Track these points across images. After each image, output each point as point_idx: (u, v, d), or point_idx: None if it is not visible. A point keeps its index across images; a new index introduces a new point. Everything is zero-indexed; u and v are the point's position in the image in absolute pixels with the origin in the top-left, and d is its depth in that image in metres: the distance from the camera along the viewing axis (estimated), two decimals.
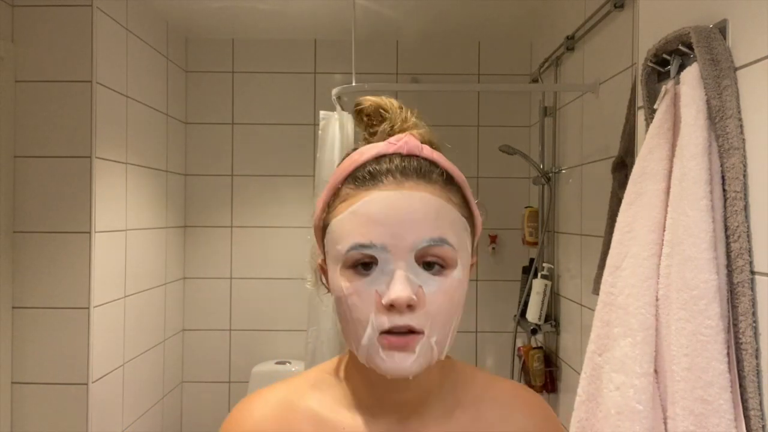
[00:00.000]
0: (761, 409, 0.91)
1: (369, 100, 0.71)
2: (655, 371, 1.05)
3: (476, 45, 3.01)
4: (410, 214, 0.62)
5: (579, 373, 1.19)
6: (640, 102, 1.29)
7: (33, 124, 2.04)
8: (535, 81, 2.79)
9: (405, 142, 0.67)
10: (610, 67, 1.98)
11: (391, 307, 0.60)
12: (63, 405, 2.02)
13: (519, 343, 2.76)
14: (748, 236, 0.96)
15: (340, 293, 0.64)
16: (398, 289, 0.60)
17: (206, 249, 2.99)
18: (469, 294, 2.85)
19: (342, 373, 0.73)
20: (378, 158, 0.66)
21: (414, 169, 0.65)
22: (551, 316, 2.49)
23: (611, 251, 1.16)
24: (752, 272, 0.95)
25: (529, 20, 2.72)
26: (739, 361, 0.94)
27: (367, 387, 0.69)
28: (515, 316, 2.70)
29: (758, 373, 0.92)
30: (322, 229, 0.69)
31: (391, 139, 0.68)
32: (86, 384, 2.03)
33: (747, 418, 0.92)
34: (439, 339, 0.63)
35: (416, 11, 2.62)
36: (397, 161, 0.65)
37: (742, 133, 0.98)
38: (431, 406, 0.70)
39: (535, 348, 2.57)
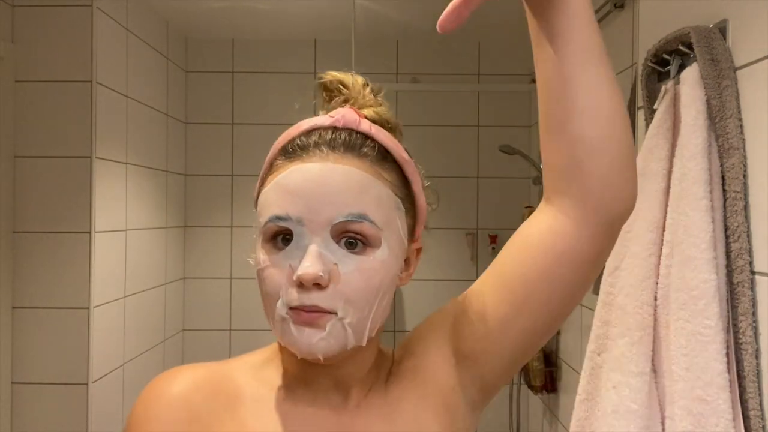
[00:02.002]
0: (761, 409, 0.91)
1: (331, 75, 0.69)
2: (654, 371, 1.05)
3: (476, 45, 3.01)
4: (329, 187, 0.59)
5: (579, 373, 1.19)
6: (640, 102, 1.29)
7: (33, 124, 2.03)
8: (534, 81, 2.78)
9: (342, 115, 0.64)
10: None
11: (301, 284, 0.58)
12: (63, 405, 2.02)
13: None
14: (748, 236, 0.96)
15: (258, 266, 0.62)
16: (306, 265, 0.57)
17: (206, 249, 2.99)
18: None
19: (279, 354, 0.69)
20: (310, 131, 0.64)
21: (343, 141, 0.62)
22: None
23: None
24: (752, 272, 0.95)
25: None
26: (739, 361, 0.94)
27: (304, 365, 0.64)
28: None
29: (758, 373, 0.92)
30: (256, 203, 0.67)
31: (332, 113, 0.65)
32: (86, 384, 2.03)
33: (747, 418, 0.92)
34: (353, 322, 0.59)
35: (416, 11, 2.62)
36: (328, 135, 0.63)
37: (742, 133, 0.98)
38: (369, 378, 0.67)
39: None
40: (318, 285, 0.58)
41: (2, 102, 1.98)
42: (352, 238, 0.59)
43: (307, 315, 0.58)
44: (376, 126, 0.66)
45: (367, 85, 0.69)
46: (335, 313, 0.58)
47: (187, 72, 3.00)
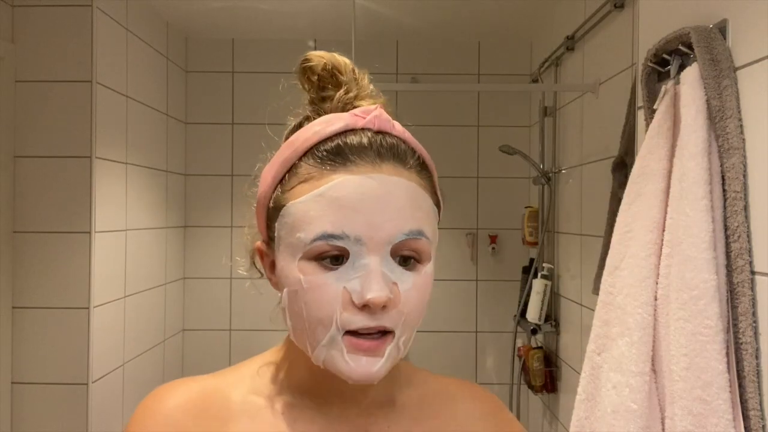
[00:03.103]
0: (761, 410, 0.91)
1: (319, 56, 0.62)
2: (654, 371, 1.05)
3: (476, 45, 3.01)
4: (390, 203, 0.54)
5: (579, 373, 1.19)
6: (640, 102, 1.29)
7: (33, 124, 2.03)
8: (535, 81, 2.79)
9: (376, 116, 0.59)
10: (610, 67, 1.98)
11: (365, 307, 0.53)
12: (63, 405, 2.02)
13: (519, 343, 2.76)
14: (748, 236, 0.96)
15: (297, 287, 0.55)
16: (376, 289, 0.52)
17: (206, 249, 2.99)
18: (469, 294, 2.85)
19: (282, 362, 0.65)
20: (345, 132, 0.58)
21: (389, 149, 0.57)
22: (551, 316, 2.49)
23: (611, 251, 1.16)
24: (752, 272, 0.95)
25: (529, 20, 2.72)
26: (739, 361, 0.94)
27: (308, 375, 0.62)
28: (515, 316, 2.70)
29: (758, 373, 0.92)
30: (269, 209, 0.60)
31: (357, 111, 0.59)
32: (86, 384, 2.03)
33: (747, 418, 0.92)
34: (406, 339, 0.57)
35: (416, 11, 2.62)
36: (369, 138, 0.57)
37: (742, 133, 0.98)
38: (373, 394, 0.64)
39: (535, 348, 2.57)
40: (383, 307, 0.54)
41: (2, 102, 1.98)
42: (408, 256, 0.56)
43: (366, 343, 0.54)
44: (407, 131, 0.61)
45: (354, 69, 0.63)
46: (394, 333, 0.55)
47: (187, 72, 3.00)
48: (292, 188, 0.57)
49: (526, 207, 2.77)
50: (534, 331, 2.47)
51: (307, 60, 0.62)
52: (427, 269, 0.58)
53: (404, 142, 0.60)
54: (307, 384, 0.63)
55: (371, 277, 0.53)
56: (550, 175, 2.56)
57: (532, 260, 2.68)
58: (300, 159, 0.58)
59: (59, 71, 2.04)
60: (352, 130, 0.58)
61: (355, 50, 2.12)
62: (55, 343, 2.02)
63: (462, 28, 2.82)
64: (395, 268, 0.55)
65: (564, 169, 2.47)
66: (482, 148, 2.99)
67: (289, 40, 2.98)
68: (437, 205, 0.62)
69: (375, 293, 0.52)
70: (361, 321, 0.54)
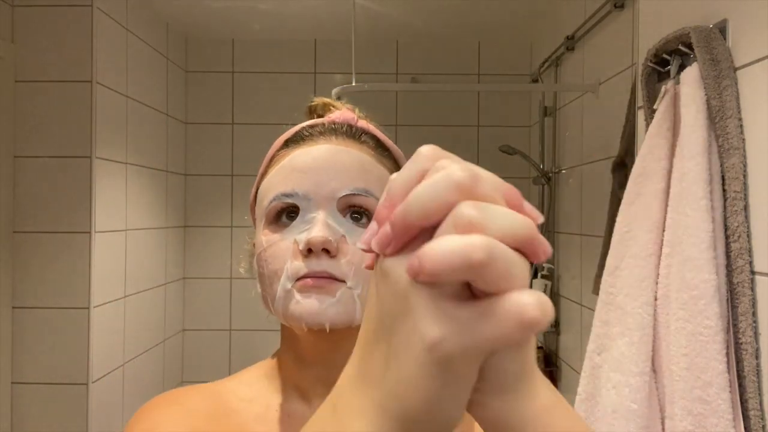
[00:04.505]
0: (761, 409, 0.91)
1: (320, 99, 0.71)
2: (654, 371, 1.05)
3: (476, 45, 3.01)
4: (335, 164, 0.60)
5: (579, 373, 1.19)
6: (640, 102, 1.29)
7: (33, 124, 2.03)
8: (535, 81, 2.79)
9: (340, 113, 0.66)
10: (610, 67, 1.98)
11: (309, 252, 0.56)
12: (63, 405, 2.02)
13: None
14: (748, 236, 0.96)
15: (260, 249, 0.60)
16: (315, 231, 0.56)
17: (206, 249, 2.99)
18: None
19: (275, 364, 0.67)
20: (312, 126, 0.66)
21: (345, 130, 0.64)
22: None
23: (611, 251, 1.16)
24: (752, 272, 0.95)
25: (529, 20, 2.72)
26: (739, 361, 0.94)
27: (300, 369, 0.64)
28: None
29: (758, 373, 0.92)
30: (255, 200, 0.66)
31: (329, 115, 0.68)
32: (86, 384, 2.03)
33: (746, 418, 0.92)
34: (363, 294, 0.57)
35: (416, 11, 2.62)
36: (329, 125, 0.65)
37: (742, 133, 0.98)
38: None
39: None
40: (327, 252, 0.57)
41: (2, 102, 1.98)
42: (357, 212, 0.60)
43: (313, 280, 0.56)
44: (371, 125, 0.68)
45: (353, 108, 0.71)
46: (345, 282, 0.57)
47: (187, 72, 3.00)
48: (267, 174, 0.64)
49: None
50: None
51: (311, 101, 0.72)
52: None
53: (365, 132, 0.66)
54: (301, 384, 0.64)
55: (314, 223, 0.58)
56: (550, 175, 2.56)
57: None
58: (276, 152, 0.66)
59: (59, 71, 2.04)
60: (317, 124, 0.66)
61: (355, 50, 2.12)
62: (55, 343, 2.02)
63: (462, 28, 2.82)
64: (344, 222, 0.59)
65: (564, 169, 2.47)
66: (482, 148, 2.99)
67: (289, 40, 2.98)
68: None
69: (313, 234, 0.56)
70: (307, 266, 0.57)
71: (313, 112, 0.71)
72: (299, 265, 0.57)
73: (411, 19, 2.71)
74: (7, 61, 1.99)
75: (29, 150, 2.03)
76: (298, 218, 0.59)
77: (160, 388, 2.69)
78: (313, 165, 0.60)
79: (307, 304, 0.56)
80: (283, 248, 0.58)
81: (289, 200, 0.59)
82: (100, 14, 2.10)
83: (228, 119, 3.00)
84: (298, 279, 0.57)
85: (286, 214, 0.60)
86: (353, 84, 2.10)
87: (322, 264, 0.56)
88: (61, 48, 2.04)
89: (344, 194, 0.59)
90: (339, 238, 0.58)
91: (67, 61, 2.04)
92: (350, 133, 0.64)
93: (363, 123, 0.67)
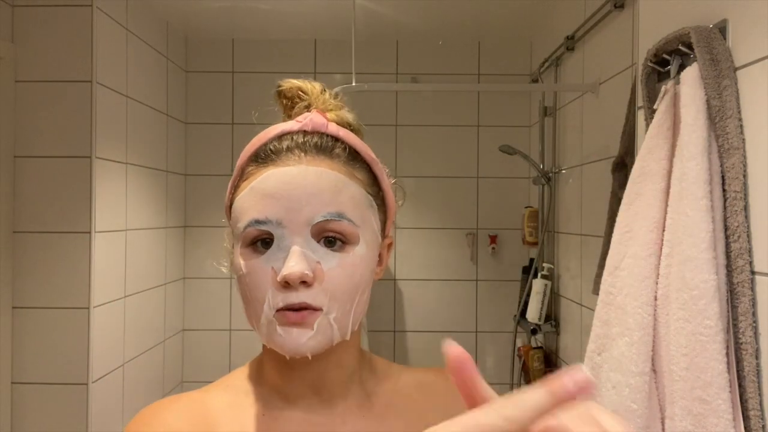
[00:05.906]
0: (761, 409, 0.91)
1: (289, 83, 0.70)
2: (654, 371, 1.05)
3: (476, 45, 3.01)
4: (306, 189, 0.60)
5: None
6: (640, 102, 1.29)
7: (33, 124, 2.03)
8: (535, 81, 2.79)
9: (310, 119, 0.66)
10: (610, 67, 1.98)
11: (287, 284, 0.58)
12: (63, 405, 2.02)
13: (519, 343, 2.76)
14: (748, 236, 0.96)
15: (240, 272, 0.62)
16: (290, 265, 0.58)
17: (206, 249, 2.99)
18: (469, 294, 2.83)
19: (257, 368, 0.69)
20: (281, 136, 0.65)
21: (314, 144, 0.64)
22: (551, 316, 2.49)
23: (611, 251, 1.16)
24: (752, 272, 0.95)
25: (529, 20, 2.72)
26: (739, 361, 0.94)
27: (282, 373, 0.66)
28: (515, 316, 2.70)
29: (758, 373, 0.92)
30: (229, 210, 0.67)
31: (299, 117, 0.67)
32: (86, 384, 2.03)
33: (746, 418, 0.92)
34: (338, 317, 0.60)
35: (416, 11, 2.62)
36: (299, 138, 0.64)
37: (742, 133, 0.98)
38: (352, 390, 0.68)
39: (535, 348, 2.57)
40: (304, 283, 0.59)
41: (2, 102, 1.98)
42: (331, 237, 0.61)
43: (294, 315, 0.59)
44: (344, 129, 0.67)
45: (325, 90, 0.70)
46: (321, 309, 0.59)
47: (187, 72, 3.00)
48: (239, 188, 0.65)
49: (526, 207, 2.77)
50: (534, 331, 2.47)
51: (279, 86, 0.71)
52: (357, 251, 0.62)
53: (337, 139, 0.65)
54: (279, 383, 0.66)
55: (290, 255, 0.59)
56: (550, 175, 2.56)
57: (532, 260, 2.68)
58: (246, 164, 0.66)
59: (59, 71, 2.04)
60: (287, 134, 0.65)
61: (355, 50, 2.12)
62: (55, 343, 2.02)
63: (462, 28, 2.82)
64: (318, 248, 0.60)
65: (564, 169, 2.47)
66: (482, 148, 2.99)
67: (289, 40, 2.98)
68: (377, 194, 0.67)
69: (289, 269, 0.58)
70: (286, 298, 0.59)
71: (282, 96, 0.71)
72: (279, 297, 0.59)
73: (411, 19, 2.71)
74: (7, 61, 1.99)
75: (29, 150, 2.03)
76: (274, 245, 0.60)
77: (160, 388, 2.69)
78: (282, 190, 0.60)
79: (289, 339, 0.59)
80: (262, 276, 0.60)
81: (263, 227, 0.60)
82: (100, 14, 2.10)
83: (228, 119, 3.00)
84: (279, 310, 0.59)
85: (261, 241, 0.61)
86: (353, 84, 2.10)
87: (300, 296, 0.59)
88: (61, 48, 2.04)
89: (318, 221, 0.60)
90: (315, 266, 0.59)
91: (67, 61, 2.04)
92: (320, 147, 0.64)
93: (333, 128, 0.66)
